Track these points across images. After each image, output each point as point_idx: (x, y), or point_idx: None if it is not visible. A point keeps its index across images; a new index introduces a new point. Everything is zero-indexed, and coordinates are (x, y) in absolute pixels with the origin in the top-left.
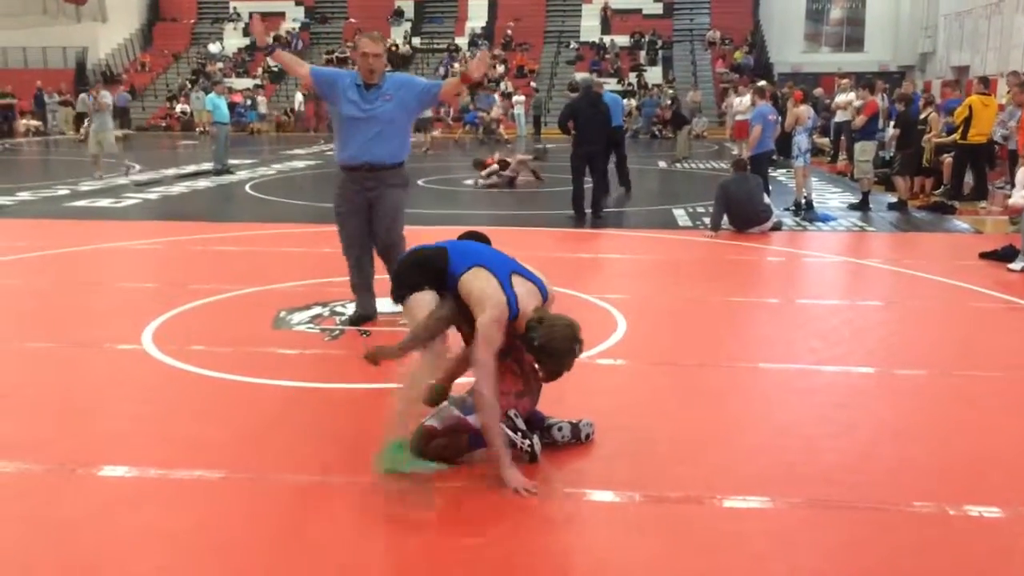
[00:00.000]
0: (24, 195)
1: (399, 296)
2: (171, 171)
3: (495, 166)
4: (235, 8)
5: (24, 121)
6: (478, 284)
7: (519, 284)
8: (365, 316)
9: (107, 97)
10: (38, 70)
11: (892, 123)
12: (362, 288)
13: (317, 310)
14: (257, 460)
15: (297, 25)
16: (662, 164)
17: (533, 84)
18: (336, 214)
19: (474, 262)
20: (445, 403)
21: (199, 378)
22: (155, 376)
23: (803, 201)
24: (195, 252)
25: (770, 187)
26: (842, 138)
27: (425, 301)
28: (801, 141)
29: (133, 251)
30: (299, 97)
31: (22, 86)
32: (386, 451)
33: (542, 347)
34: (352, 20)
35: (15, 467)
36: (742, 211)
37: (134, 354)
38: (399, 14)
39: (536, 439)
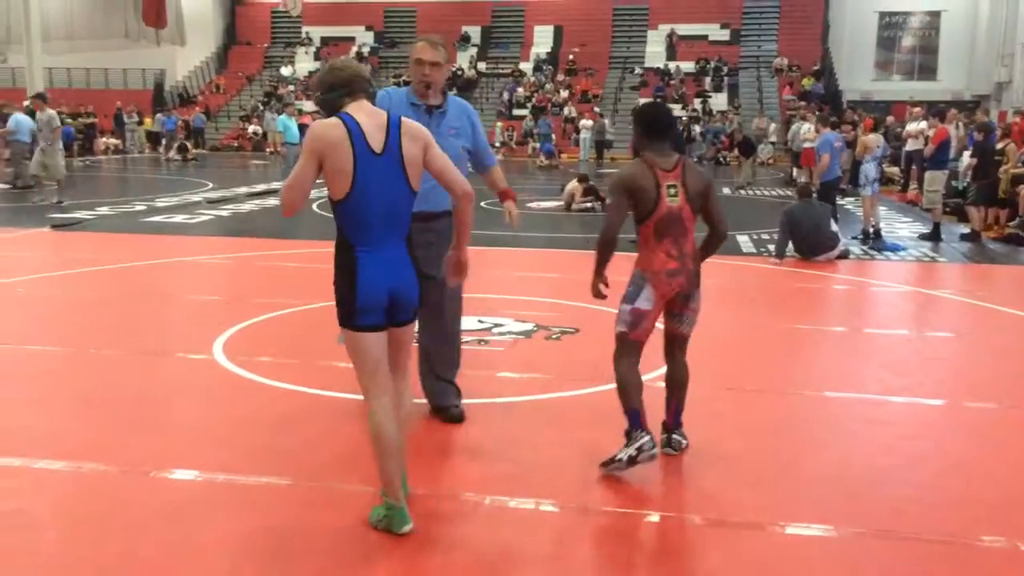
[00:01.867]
0: (103, 210)
1: None
2: (242, 189)
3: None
4: (307, 32)
5: (104, 139)
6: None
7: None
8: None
9: (54, 119)
10: (118, 91)
11: (969, 152)
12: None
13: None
14: (322, 469)
15: (367, 50)
16: (726, 191)
17: (597, 109)
18: None
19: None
20: (623, 306)
21: (266, 388)
22: (224, 385)
23: (871, 230)
24: (263, 267)
25: (837, 215)
26: (913, 167)
27: None
28: (869, 170)
29: (205, 265)
30: None
31: (102, 106)
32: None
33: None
34: None
35: (92, 468)
36: (808, 238)
37: (205, 363)
38: (466, 39)
39: (628, 456)
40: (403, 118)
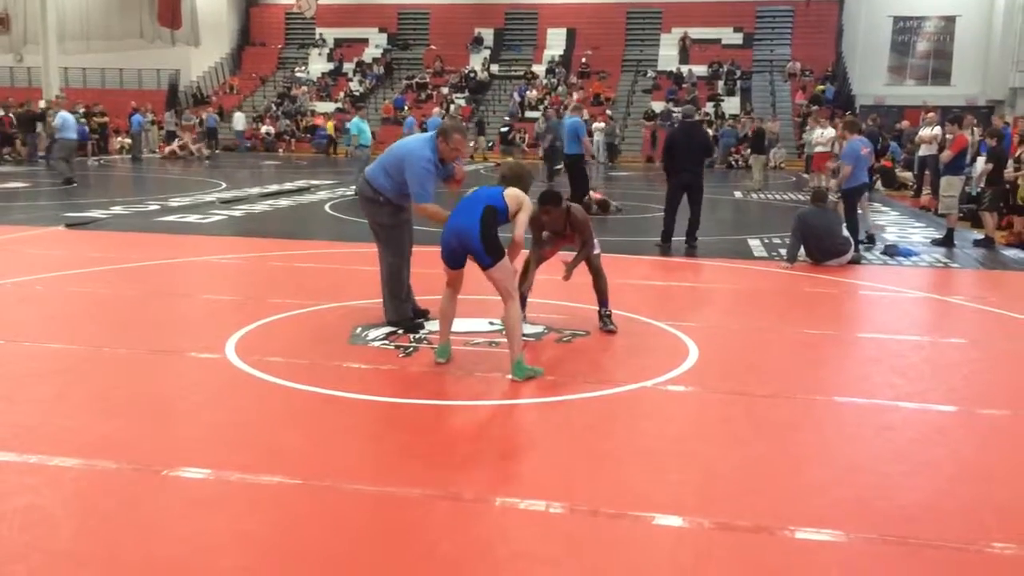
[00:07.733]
0: (117, 209)
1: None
2: (255, 190)
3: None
4: (320, 34)
5: (118, 139)
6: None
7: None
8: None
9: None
10: (133, 91)
11: (984, 158)
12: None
13: (392, 327)
14: (334, 469)
15: (379, 51)
16: (738, 194)
17: (609, 112)
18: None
19: (498, 190)
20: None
21: (278, 388)
22: (236, 384)
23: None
24: (276, 268)
25: (858, 222)
26: (926, 172)
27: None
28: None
29: (218, 265)
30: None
31: (117, 106)
32: (516, 367)
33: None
34: (433, 47)
35: (105, 465)
36: (820, 243)
37: (217, 363)
38: (479, 41)
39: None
40: None
